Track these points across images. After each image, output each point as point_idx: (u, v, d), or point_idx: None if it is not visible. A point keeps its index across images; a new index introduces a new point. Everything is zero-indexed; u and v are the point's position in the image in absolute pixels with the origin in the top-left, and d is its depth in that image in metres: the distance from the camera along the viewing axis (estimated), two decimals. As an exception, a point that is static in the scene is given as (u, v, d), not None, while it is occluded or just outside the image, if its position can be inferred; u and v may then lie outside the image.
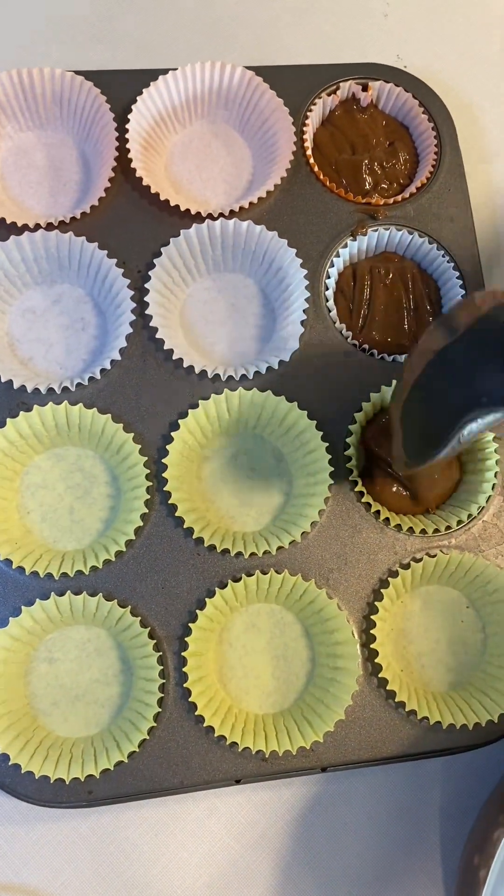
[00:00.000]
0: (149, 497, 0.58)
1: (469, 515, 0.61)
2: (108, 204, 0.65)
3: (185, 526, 0.58)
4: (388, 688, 0.57)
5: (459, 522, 0.61)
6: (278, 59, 0.76)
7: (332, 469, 0.60)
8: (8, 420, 0.58)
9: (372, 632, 0.58)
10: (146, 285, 0.62)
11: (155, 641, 0.56)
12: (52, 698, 0.56)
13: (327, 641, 0.58)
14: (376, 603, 0.58)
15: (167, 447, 0.59)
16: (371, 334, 0.65)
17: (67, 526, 0.59)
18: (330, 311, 0.65)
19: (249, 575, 0.57)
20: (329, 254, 0.66)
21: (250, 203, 0.66)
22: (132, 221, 0.65)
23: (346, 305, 0.66)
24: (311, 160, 0.69)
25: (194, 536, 0.58)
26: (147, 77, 0.67)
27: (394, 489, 0.62)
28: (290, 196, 0.68)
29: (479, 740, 0.57)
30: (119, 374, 0.62)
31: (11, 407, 0.60)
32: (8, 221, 0.63)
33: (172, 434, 0.60)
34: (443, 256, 0.67)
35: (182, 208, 0.64)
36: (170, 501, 0.58)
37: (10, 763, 0.53)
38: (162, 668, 0.55)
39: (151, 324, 0.61)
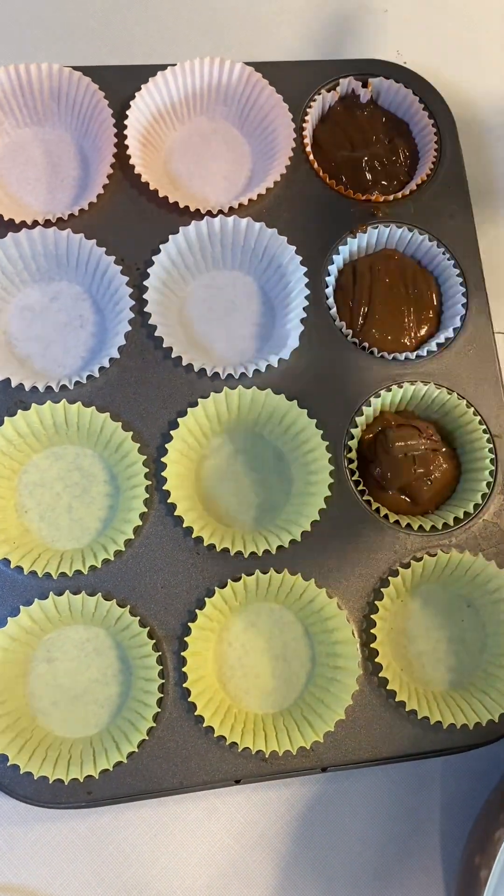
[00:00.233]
0: (148, 496, 0.58)
1: (466, 513, 0.61)
2: (107, 201, 0.65)
3: (184, 525, 0.58)
4: (388, 687, 0.57)
5: (457, 520, 0.61)
6: (278, 55, 0.76)
7: (332, 468, 0.59)
8: (6, 419, 0.58)
9: (372, 631, 0.57)
10: (145, 283, 0.62)
11: (154, 641, 0.56)
12: (51, 698, 0.56)
13: (327, 641, 0.58)
14: (376, 602, 0.58)
15: (166, 446, 0.59)
16: (371, 332, 0.65)
17: (66, 525, 0.59)
18: (330, 309, 0.65)
19: (249, 574, 0.57)
20: (329, 251, 0.66)
21: (250, 200, 0.65)
22: (131, 218, 0.65)
23: (346, 303, 0.66)
24: (311, 157, 0.69)
25: (194, 536, 0.58)
26: (146, 73, 0.66)
27: (391, 493, 0.62)
28: (289, 193, 0.67)
29: (479, 740, 0.57)
30: (118, 373, 0.61)
31: (9, 405, 0.59)
32: (6, 218, 0.62)
33: (171, 433, 0.59)
34: (443, 254, 0.67)
35: (181, 205, 0.64)
36: (169, 500, 0.58)
37: (8, 763, 0.52)
38: (161, 667, 0.55)
39: (150, 321, 0.61)
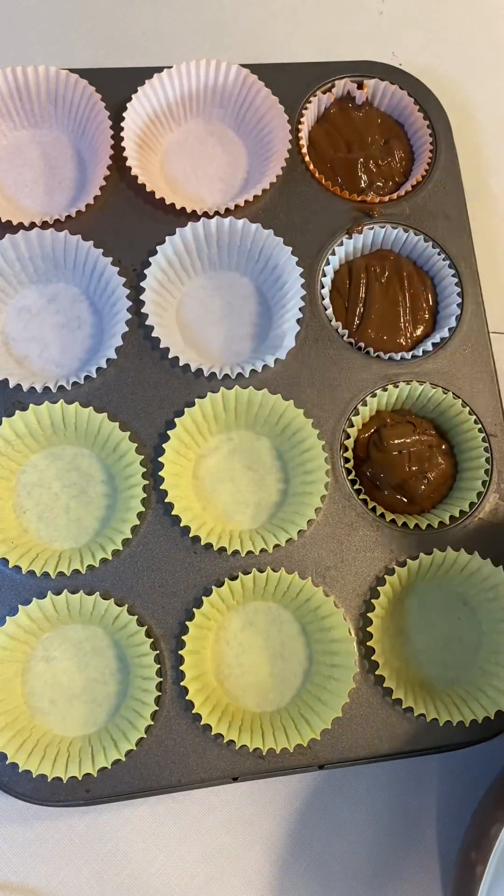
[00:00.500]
0: (145, 496, 0.58)
1: (462, 512, 0.61)
2: (104, 202, 0.65)
3: (181, 524, 0.58)
4: (384, 685, 0.57)
5: (453, 519, 0.61)
6: (273, 57, 0.76)
7: (328, 467, 0.60)
8: (3, 419, 0.58)
9: (369, 629, 0.58)
10: (142, 284, 0.62)
11: (152, 640, 0.56)
12: (49, 697, 0.56)
13: (324, 639, 0.58)
14: (373, 600, 0.58)
15: (163, 446, 0.59)
16: (367, 332, 0.65)
17: (64, 525, 0.59)
18: (326, 310, 0.65)
19: (246, 573, 0.58)
20: (325, 252, 0.66)
21: (246, 201, 0.66)
22: (127, 220, 0.65)
23: (342, 303, 0.66)
24: (307, 158, 0.69)
25: (191, 535, 0.58)
26: (142, 75, 0.67)
27: (386, 492, 0.62)
28: (285, 194, 0.68)
29: (475, 737, 0.57)
30: (115, 373, 0.62)
31: (7, 406, 0.60)
32: (3, 220, 0.63)
33: (169, 433, 0.60)
34: (438, 254, 0.67)
35: (177, 206, 0.64)
36: (166, 500, 0.58)
37: (7, 762, 0.52)
38: (159, 666, 0.55)
39: (147, 322, 0.61)
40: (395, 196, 0.69)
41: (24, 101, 0.67)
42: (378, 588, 0.59)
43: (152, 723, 0.55)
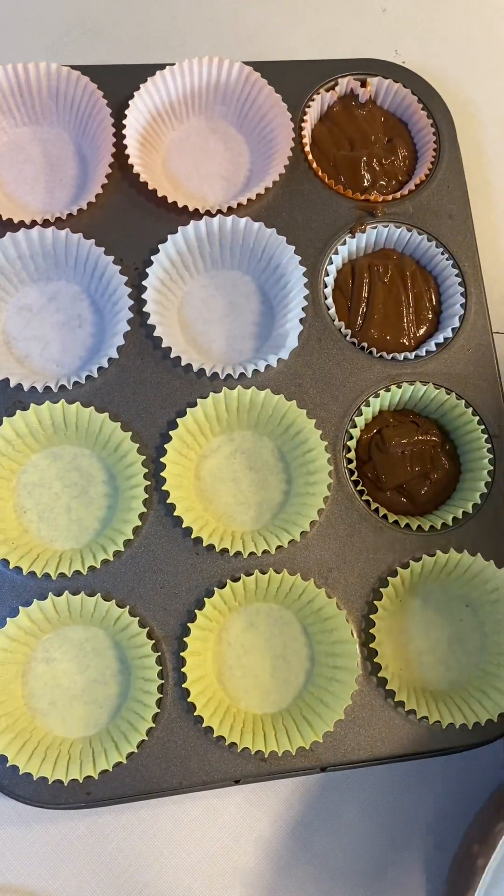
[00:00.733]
0: (147, 496, 0.58)
1: (465, 513, 0.61)
2: (105, 200, 0.65)
3: (183, 525, 0.58)
4: (387, 687, 0.57)
5: (456, 520, 0.61)
6: (276, 55, 0.76)
7: (331, 468, 0.59)
8: (4, 419, 0.58)
9: (371, 631, 0.57)
10: (144, 283, 0.62)
11: (153, 641, 0.56)
12: (49, 698, 0.56)
13: (326, 641, 0.58)
14: (375, 602, 0.58)
15: (165, 446, 0.59)
16: (370, 332, 0.65)
17: (65, 525, 0.59)
18: (328, 309, 0.65)
19: (248, 574, 0.57)
20: (328, 251, 0.66)
21: (248, 200, 0.65)
22: (129, 218, 0.65)
23: (345, 303, 0.66)
24: (310, 156, 0.69)
25: (193, 536, 0.58)
26: (144, 72, 0.66)
27: (389, 493, 0.62)
28: (288, 193, 0.67)
29: (478, 739, 0.57)
30: (116, 373, 0.61)
31: (7, 405, 0.59)
32: (4, 218, 0.62)
33: (171, 433, 0.59)
34: (442, 254, 0.67)
35: (180, 205, 0.64)
36: (168, 500, 0.58)
37: (8, 764, 0.52)
38: (160, 668, 0.55)
39: (149, 321, 0.61)
40: (398, 195, 0.68)
41: (26, 98, 0.66)
42: (381, 589, 0.58)
43: (153, 725, 0.54)
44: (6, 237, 0.60)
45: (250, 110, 0.69)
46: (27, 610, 0.55)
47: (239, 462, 0.62)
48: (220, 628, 0.58)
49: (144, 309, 0.61)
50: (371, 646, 0.57)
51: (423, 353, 0.64)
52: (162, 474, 0.58)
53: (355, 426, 0.62)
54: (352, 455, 0.61)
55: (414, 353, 0.65)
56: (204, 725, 0.54)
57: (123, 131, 0.65)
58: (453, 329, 0.65)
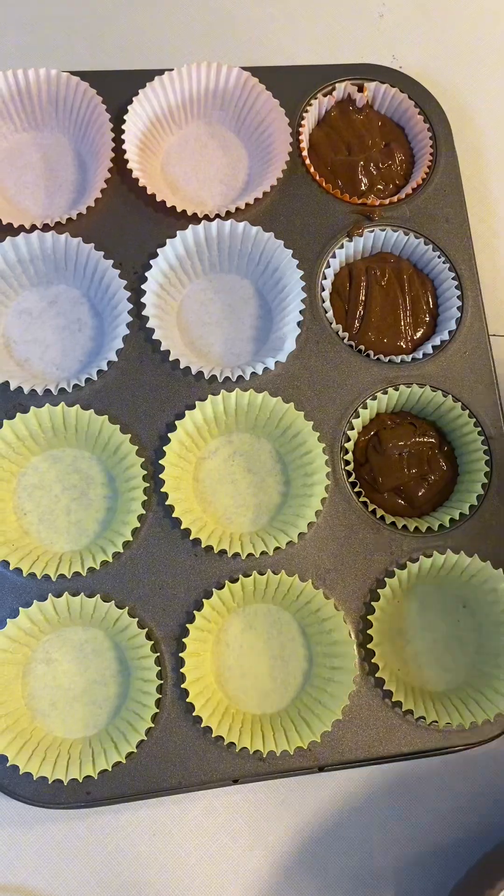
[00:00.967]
0: (146, 498, 0.58)
1: (462, 515, 0.61)
2: (105, 205, 0.65)
3: (182, 527, 0.58)
4: (384, 687, 0.57)
5: (453, 521, 0.61)
6: (274, 60, 0.76)
7: (329, 470, 0.60)
8: (4, 422, 0.58)
9: (369, 632, 0.58)
10: (143, 286, 0.62)
11: (152, 642, 0.56)
12: (49, 699, 0.56)
13: (324, 641, 0.58)
14: (373, 603, 0.59)
15: (164, 448, 0.59)
16: (367, 335, 0.65)
17: (64, 527, 0.59)
18: (326, 312, 0.65)
19: (247, 576, 0.58)
20: (325, 255, 0.66)
21: (246, 204, 0.66)
22: (128, 222, 0.65)
23: (342, 306, 0.66)
24: (307, 161, 0.69)
25: (191, 537, 0.58)
26: (143, 78, 0.67)
27: (386, 495, 0.62)
28: (286, 197, 0.68)
29: (475, 739, 0.58)
30: (116, 376, 0.62)
31: (8, 409, 0.60)
32: (4, 222, 0.63)
33: (169, 435, 0.60)
34: (438, 257, 0.67)
35: (178, 209, 0.64)
36: (167, 502, 0.58)
37: (8, 764, 0.53)
38: (159, 668, 0.55)
39: (148, 325, 0.61)
40: (395, 199, 0.69)
41: (25, 104, 0.67)
42: (378, 590, 0.59)
43: (153, 725, 0.55)
44: (6, 241, 0.61)
45: (248, 115, 0.69)
46: (27, 611, 0.55)
47: (237, 464, 0.62)
48: (219, 629, 0.59)
49: (144, 312, 0.62)
50: (369, 646, 0.58)
51: (421, 356, 0.65)
52: (161, 476, 0.59)
53: (353, 428, 0.63)
54: (349, 457, 0.62)
55: (411, 356, 0.65)
56: (203, 725, 0.55)
57: (123, 136, 0.65)
58: (450, 332, 0.66)
